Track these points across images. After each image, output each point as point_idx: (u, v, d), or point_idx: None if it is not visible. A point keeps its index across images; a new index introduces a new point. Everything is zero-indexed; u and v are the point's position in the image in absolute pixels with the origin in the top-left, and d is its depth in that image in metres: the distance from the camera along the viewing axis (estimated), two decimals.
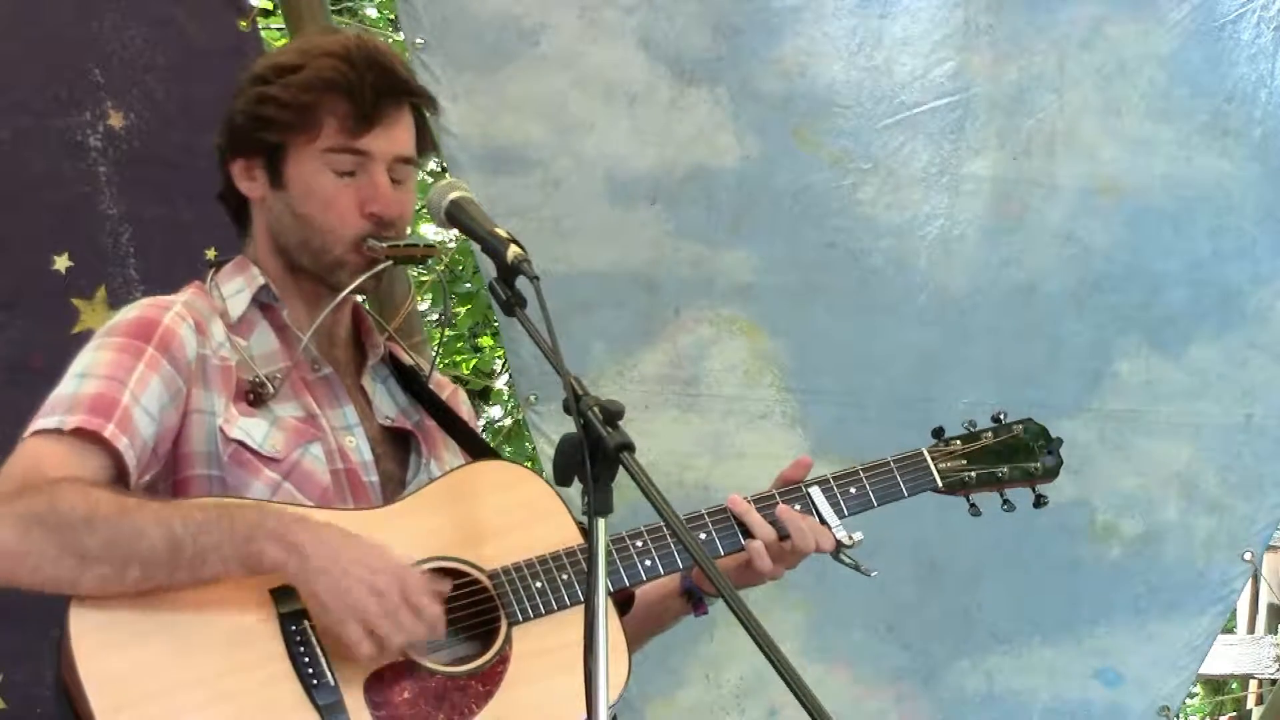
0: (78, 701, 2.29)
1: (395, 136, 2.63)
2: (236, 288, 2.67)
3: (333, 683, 2.36)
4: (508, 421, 8.05)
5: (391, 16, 8.02)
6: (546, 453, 4.10)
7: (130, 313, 2.60)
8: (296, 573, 2.36)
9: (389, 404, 2.75)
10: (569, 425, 2.20)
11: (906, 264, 4.30)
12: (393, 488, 2.66)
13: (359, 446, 2.64)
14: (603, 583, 2.14)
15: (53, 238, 3.68)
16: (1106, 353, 4.37)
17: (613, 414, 2.19)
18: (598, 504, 2.16)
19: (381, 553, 2.41)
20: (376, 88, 2.60)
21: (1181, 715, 4.84)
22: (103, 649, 2.31)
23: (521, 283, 2.38)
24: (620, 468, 2.16)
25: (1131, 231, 4.36)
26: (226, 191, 2.71)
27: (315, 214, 2.61)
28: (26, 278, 3.65)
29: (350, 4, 8.20)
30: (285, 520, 2.39)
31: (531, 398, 4.14)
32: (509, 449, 7.61)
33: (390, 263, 2.61)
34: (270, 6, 6.27)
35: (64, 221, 3.70)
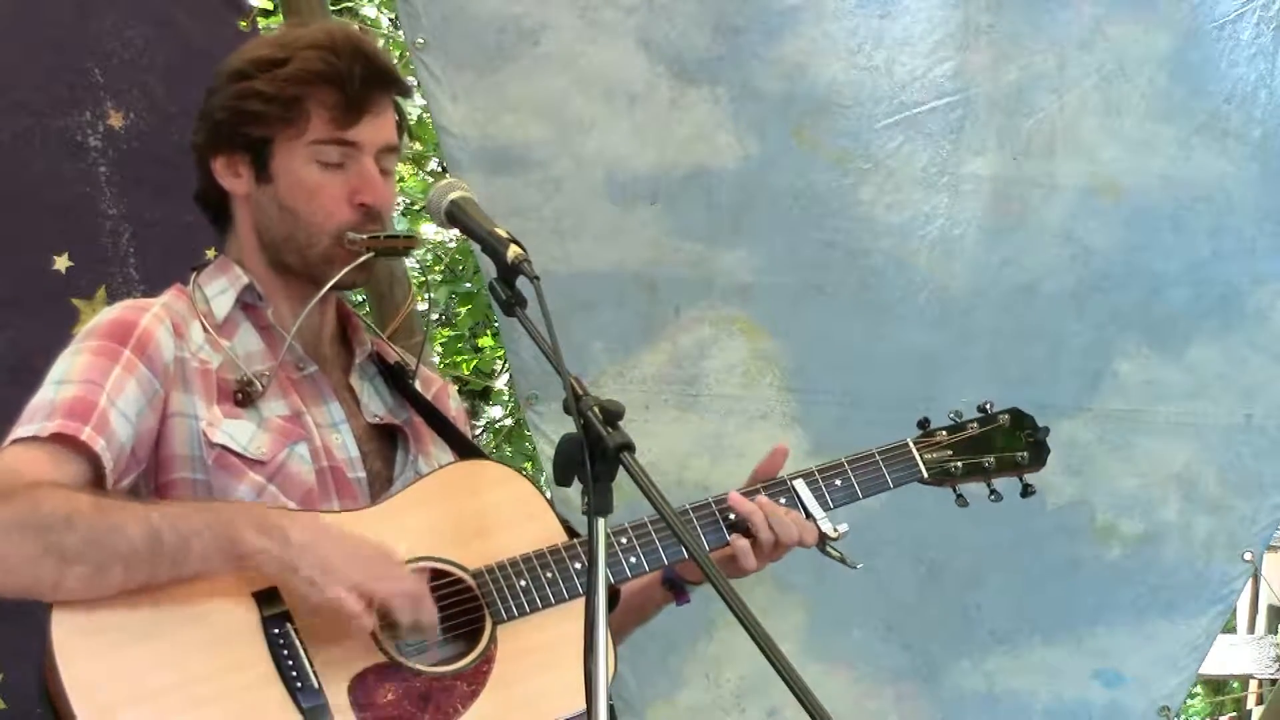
0: (59, 705, 2.29)
1: (381, 126, 2.63)
2: (220, 288, 2.66)
3: (317, 685, 2.36)
4: (508, 421, 8.06)
5: (391, 16, 8.02)
6: (546, 453, 4.10)
7: (108, 315, 2.60)
8: (279, 555, 2.35)
9: (377, 402, 2.74)
10: (569, 425, 2.20)
11: (906, 264, 4.30)
12: (380, 485, 2.66)
13: (344, 443, 2.63)
14: (603, 583, 2.14)
15: (53, 238, 3.67)
16: (1106, 353, 4.36)
17: (613, 414, 2.19)
18: (598, 504, 2.16)
19: (361, 536, 2.42)
20: (364, 78, 2.60)
21: (1182, 715, 4.83)
22: (85, 653, 2.31)
23: (521, 283, 2.38)
24: (620, 468, 2.16)
25: (1131, 231, 4.36)
26: (205, 191, 2.70)
27: (303, 206, 2.60)
28: (26, 278, 3.65)
29: (350, 4, 8.20)
30: (264, 509, 2.41)
31: (531, 398, 4.14)
32: (509, 449, 7.62)
33: (371, 254, 2.60)
34: (270, 6, 6.27)
35: (64, 221, 3.69)
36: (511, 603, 2.51)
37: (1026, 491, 2.90)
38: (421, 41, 4.02)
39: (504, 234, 2.41)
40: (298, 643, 2.37)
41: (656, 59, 4.16)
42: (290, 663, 2.36)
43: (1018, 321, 4.34)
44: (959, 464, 2.86)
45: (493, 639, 2.49)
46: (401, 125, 2.70)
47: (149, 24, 3.80)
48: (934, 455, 2.86)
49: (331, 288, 2.62)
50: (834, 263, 4.27)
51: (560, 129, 4.13)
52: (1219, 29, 4.35)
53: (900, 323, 4.30)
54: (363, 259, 2.60)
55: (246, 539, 2.35)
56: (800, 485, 2.75)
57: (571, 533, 2.61)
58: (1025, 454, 2.91)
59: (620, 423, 2.19)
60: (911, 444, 2.85)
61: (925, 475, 2.85)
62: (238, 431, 2.55)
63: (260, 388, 2.58)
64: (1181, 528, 4.39)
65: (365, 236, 2.59)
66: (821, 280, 4.27)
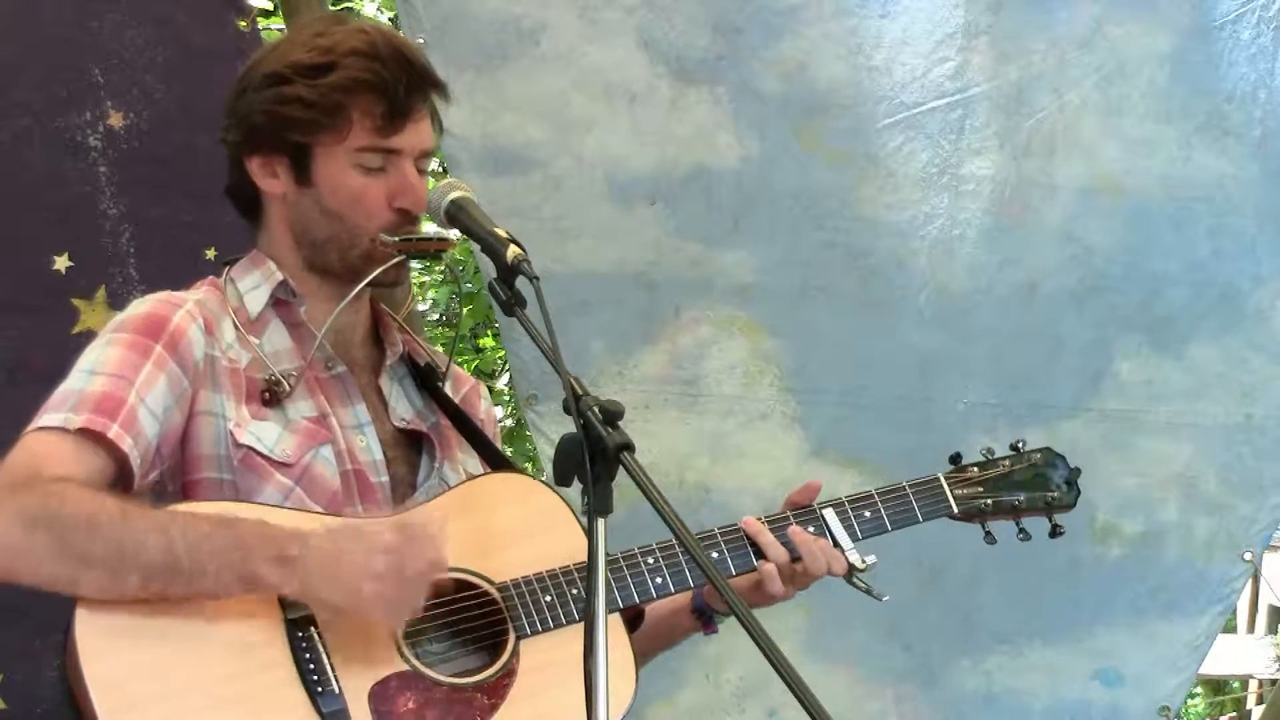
0: (82, 703, 2.29)
1: (421, 130, 2.64)
2: (254, 283, 2.65)
3: (337, 690, 2.36)
4: (508, 422, 8.05)
5: (391, 16, 8.02)
6: (546, 453, 4.09)
7: (141, 308, 2.58)
8: (302, 590, 2.35)
9: (405, 405, 2.73)
10: (569, 425, 2.20)
11: (906, 264, 4.30)
12: (403, 490, 2.65)
13: (369, 446, 2.63)
14: (602, 583, 2.13)
15: (53, 238, 3.67)
16: (1106, 353, 4.37)
17: (613, 414, 2.19)
18: (598, 504, 2.15)
19: (369, 534, 2.38)
20: (409, 85, 2.59)
21: (1182, 715, 4.84)
22: (108, 651, 2.31)
23: (521, 283, 2.38)
24: (620, 468, 2.16)
25: (1131, 231, 4.36)
26: (238, 186, 2.69)
27: (345, 210, 2.60)
28: (26, 278, 3.64)
29: (350, 4, 8.21)
30: (279, 540, 2.36)
31: (531, 398, 4.13)
32: (509, 449, 7.62)
33: (402, 257, 2.61)
34: (270, 6, 6.28)
35: (64, 221, 3.69)
36: (535, 617, 2.51)
37: (1055, 532, 2.89)
38: (421, 42, 4.01)
39: (504, 234, 2.42)
40: (320, 647, 2.38)
41: (656, 59, 4.16)
42: (312, 666, 2.36)
43: (1018, 321, 4.33)
44: (989, 501, 2.86)
45: (515, 653, 2.49)
46: (435, 123, 2.69)
47: (149, 24, 3.79)
48: (964, 491, 2.85)
49: (369, 286, 2.62)
50: (834, 263, 4.27)
51: (560, 129, 4.13)
52: (1219, 29, 4.35)
53: (900, 323, 4.30)
54: (394, 260, 2.60)
55: (264, 576, 2.34)
56: (830, 515, 2.75)
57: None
58: (1056, 494, 2.90)
59: (620, 423, 2.19)
60: (942, 479, 2.85)
61: (955, 511, 2.84)
62: (264, 433, 2.54)
63: (288, 388, 2.58)
64: (1181, 528, 4.39)
65: (397, 239, 2.59)
66: (821, 280, 4.27)
